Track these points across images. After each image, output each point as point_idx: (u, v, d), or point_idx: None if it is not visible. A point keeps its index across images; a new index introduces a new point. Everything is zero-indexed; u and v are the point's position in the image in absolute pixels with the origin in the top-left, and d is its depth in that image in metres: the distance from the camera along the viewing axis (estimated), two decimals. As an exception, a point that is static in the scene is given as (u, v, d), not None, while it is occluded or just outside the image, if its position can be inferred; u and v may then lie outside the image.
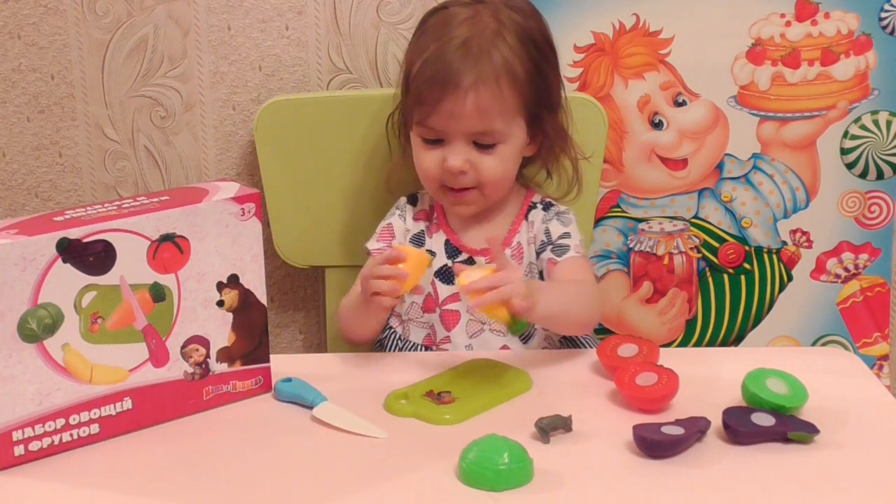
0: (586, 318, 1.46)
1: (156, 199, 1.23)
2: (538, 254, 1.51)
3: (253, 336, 1.30)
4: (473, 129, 1.44)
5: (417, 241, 1.56)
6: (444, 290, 1.53)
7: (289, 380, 1.32)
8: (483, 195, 1.49)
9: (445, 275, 1.54)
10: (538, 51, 1.48)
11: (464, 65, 1.43)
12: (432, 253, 1.54)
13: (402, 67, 1.54)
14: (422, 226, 1.56)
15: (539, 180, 1.59)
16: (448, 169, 1.46)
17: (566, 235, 1.50)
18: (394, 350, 1.55)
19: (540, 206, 1.54)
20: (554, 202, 1.56)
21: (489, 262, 1.50)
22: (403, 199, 1.59)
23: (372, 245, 1.55)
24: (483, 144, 1.46)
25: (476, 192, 1.48)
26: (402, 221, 1.56)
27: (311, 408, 1.27)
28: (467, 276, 1.28)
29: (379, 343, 1.57)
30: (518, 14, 1.48)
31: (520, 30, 1.47)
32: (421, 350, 1.55)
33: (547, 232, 1.51)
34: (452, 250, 1.54)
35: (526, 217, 1.54)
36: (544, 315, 1.34)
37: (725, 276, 1.83)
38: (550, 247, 1.50)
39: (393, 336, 1.56)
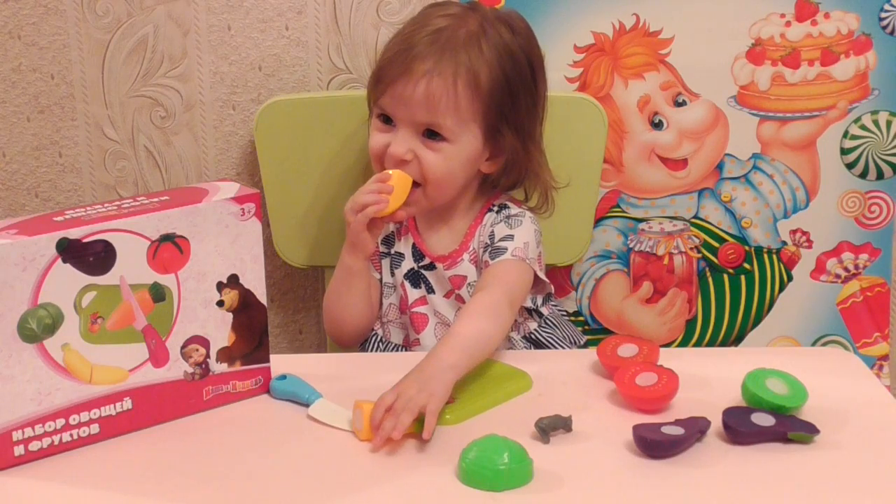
0: (494, 348, 1.35)
1: (156, 199, 1.23)
2: (481, 256, 1.49)
3: (253, 336, 1.30)
4: (420, 118, 1.43)
5: (388, 242, 1.56)
6: (412, 294, 1.53)
7: (284, 377, 1.32)
8: (425, 195, 1.46)
9: (413, 278, 1.53)
10: (515, 70, 1.46)
11: (426, 51, 1.42)
12: (401, 255, 1.54)
13: None
14: (391, 227, 1.56)
15: (518, 196, 1.57)
16: (389, 155, 1.44)
17: (508, 238, 1.47)
18: (375, 352, 1.56)
19: (495, 209, 1.52)
20: (511, 204, 1.52)
21: (447, 269, 1.50)
22: None
23: None
24: (431, 136, 1.43)
25: (418, 190, 1.46)
26: None
27: (306, 405, 1.27)
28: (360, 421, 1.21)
29: (361, 346, 1.57)
30: (507, 30, 1.46)
31: (501, 45, 1.45)
32: (401, 350, 1.55)
33: (492, 234, 1.48)
34: (418, 254, 1.54)
35: (483, 220, 1.52)
36: (451, 384, 1.24)
37: (725, 276, 1.83)
38: (490, 249, 1.47)
39: (374, 338, 1.56)
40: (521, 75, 1.47)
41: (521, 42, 1.47)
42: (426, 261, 1.53)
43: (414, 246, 1.54)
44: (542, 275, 1.49)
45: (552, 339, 1.55)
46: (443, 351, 1.27)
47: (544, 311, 1.55)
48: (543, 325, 1.55)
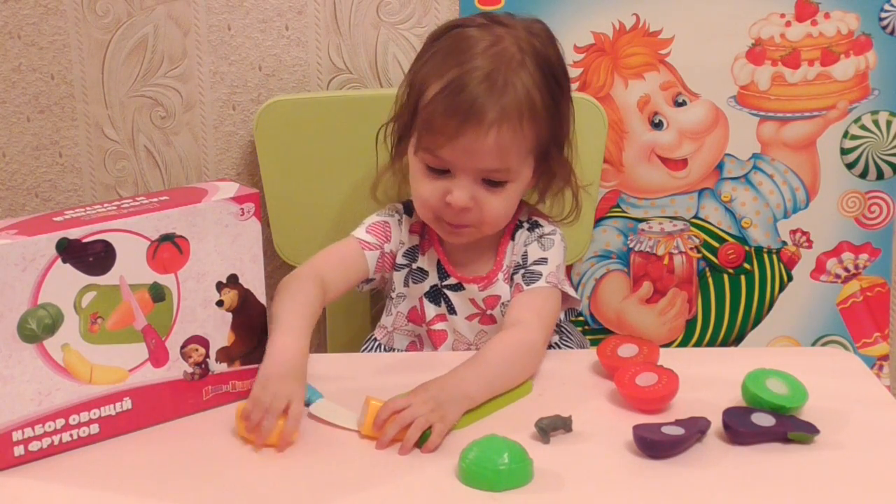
0: (518, 380, 1.32)
1: (155, 199, 1.23)
2: (512, 275, 1.46)
3: (252, 336, 1.30)
4: (489, 166, 1.37)
5: (410, 256, 1.50)
6: (431, 310, 1.49)
7: None
8: (480, 231, 1.43)
9: (434, 295, 1.50)
10: (556, 82, 1.41)
11: (488, 100, 1.34)
12: (424, 272, 1.50)
13: (409, 82, 1.44)
14: (416, 240, 1.51)
15: (532, 202, 1.54)
16: (451, 203, 1.38)
17: (542, 261, 1.43)
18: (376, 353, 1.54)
19: (526, 226, 1.48)
20: (541, 221, 1.49)
21: (482, 290, 1.47)
22: (400, 206, 1.52)
23: (359, 234, 1.49)
24: (493, 182, 1.39)
25: (474, 229, 1.42)
26: (399, 228, 1.50)
27: (307, 405, 1.27)
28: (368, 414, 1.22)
29: (361, 352, 1.56)
30: (538, 41, 1.41)
31: (540, 58, 1.40)
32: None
33: (525, 255, 1.45)
34: (443, 273, 1.49)
35: (513, 237, 1.48)
36: (463, 412, 1.24)
37: (725, 276, 1.83)
38: (522, 271, 1.43)
39: (377, 348, 1.54)
40: (560, 86, 1.43)
41: (551, 51, 1.43)
42: (452, 280, 1.48)
43: (439, 263, 1.49)
44: (572, 292, 1.46)
45: (570, 348, 1.54)
46: (469, 377, 1.27)
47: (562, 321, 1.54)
48: (562, 335, 1.54)
